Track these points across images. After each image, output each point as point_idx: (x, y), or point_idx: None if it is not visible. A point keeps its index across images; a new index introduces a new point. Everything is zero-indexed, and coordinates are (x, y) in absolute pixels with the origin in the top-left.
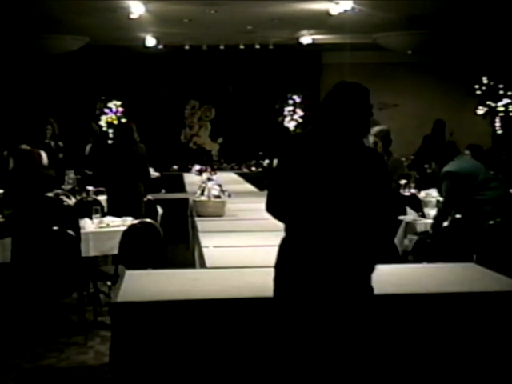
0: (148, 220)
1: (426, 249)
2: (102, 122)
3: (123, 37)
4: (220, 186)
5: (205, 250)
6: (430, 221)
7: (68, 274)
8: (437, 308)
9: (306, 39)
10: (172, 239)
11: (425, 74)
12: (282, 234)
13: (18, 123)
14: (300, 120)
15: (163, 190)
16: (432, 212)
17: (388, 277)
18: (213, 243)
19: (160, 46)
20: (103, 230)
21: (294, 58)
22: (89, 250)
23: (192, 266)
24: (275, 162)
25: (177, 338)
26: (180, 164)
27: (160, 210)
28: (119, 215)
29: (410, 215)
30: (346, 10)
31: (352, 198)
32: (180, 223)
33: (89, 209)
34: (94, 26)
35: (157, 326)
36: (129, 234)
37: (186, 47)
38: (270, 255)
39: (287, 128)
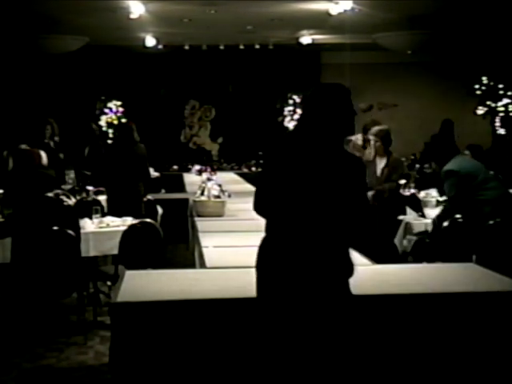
0: (148, 220)
1: (426, 249)
2: (102, 122)
3: (123, 37)
4: (220, 186)
5: (205, 250)
6: (430, 221)
7: (68, 274)
8: (437, 308)
9: (306, 39)
10: (172, 239)
11: (425, 74)
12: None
13: (17, 123)
14: None
15: (163, 190)
16: (432, 212)
17: (388, 277)
18: (213, 243)
19: (160, 46)
20: (103, 230)
21: (294, 57)
22: (89, 249)
23: (192, 266)
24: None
25: (177, 338)
26: (180, 164)
27: (160, 210)
28: (119, 215)
29: (410, 215)
30: (345, 10)
31: (328, 200)
32: (180, 223)
33: (89, 209)
34: (93, 26)
35: (157, 326)
36: (129, 233)
37: (186, 47)
38: None
39: (287, 128)
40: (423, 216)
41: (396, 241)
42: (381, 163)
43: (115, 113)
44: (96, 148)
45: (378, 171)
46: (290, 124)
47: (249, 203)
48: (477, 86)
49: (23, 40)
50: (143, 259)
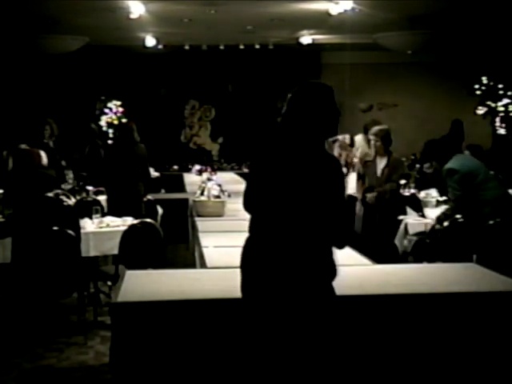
0: (148, 220)
1: (426, 249)
2: (102, 122)
3: (123, 37)
4: (220, 186)
5: (205, 250)
6: (430, 221)
7: (68, 274)
8: (437, 308)
9: (306, 39)
10: (172, 239)
11: (425, 74)
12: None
13: (17, 123)
14: None
15: (163, 190)
16: (432, 212)
17: (388, 277)
18: (213, 243)
19: (160, 46)
20: (103, 230)
21: (294, 57)
22: (89, 249)
23: (192, 265)
24: None
25: (177, 338)
26: (180, 164)
27: (160, 210)
28: (119, 215)
29: (410, 215)
30: (345, 10)
31: (308, 200)
32: (180, 223)
33: (89, 209)
34: (93, 26)
35: (157, 326)
36: (129, 233)
37: (186, 47)
38: None
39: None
40: (423, 216)
41: (396, 241)
42: (381, 163)
43: (115, 113)
44: (95, 148)
45: (379, 171)
46: None
47: None
48: (477, 86)
49: (23, 40)
50: (143, 259)
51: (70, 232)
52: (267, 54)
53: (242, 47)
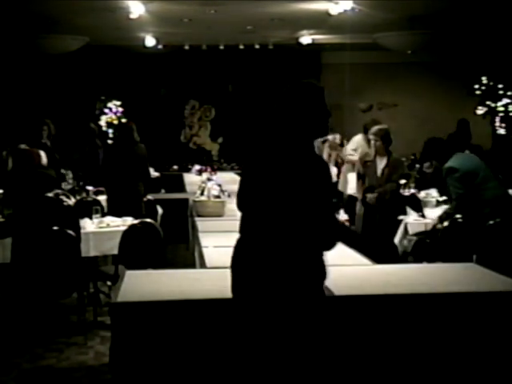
0: (148, 220)
1: (426, 249)
2: (102, 122)
3: (123, 37)
4: (220, 186)
5: (205, 250)
6: (430, 221)
7: (68, 274)
8: (438, 308)
9: (306, 39)
10: (172, 239)
11: (425, 74)
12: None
13: (17, 123)
14: None
15: (163, 190)
16: (432, 212)
17: (388, 277)
18: (213, 243)
19: (160, 46)
20: (103, 230)
21: (294, 57)
22: (89, 249)
23: (192, 266)
24: None
25: (177, 338)
26: (180, 164)
27: (160, 210)
28: (119, 215)
29: (410, 215)
30: (345, 10)
31: (296, 202)
32: (180, 223)
33: (89, 209)
34: (93, 26)
35: (157, 326)
36: (129, 234)
37: (186, 47)
38: None
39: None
40: (423, 216)
41: (396, 241)
42: (381, 163)
43: (115, 113)
44: (94, 148)
45: (379, 171)
46: None
47: None
48: (477, 86)
49: (23, 40)
50: (143, 259)
51: (70, 232)
52: (267, 54)
53: (241, 47)
